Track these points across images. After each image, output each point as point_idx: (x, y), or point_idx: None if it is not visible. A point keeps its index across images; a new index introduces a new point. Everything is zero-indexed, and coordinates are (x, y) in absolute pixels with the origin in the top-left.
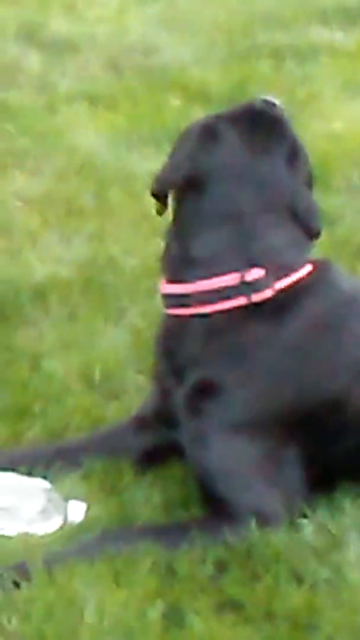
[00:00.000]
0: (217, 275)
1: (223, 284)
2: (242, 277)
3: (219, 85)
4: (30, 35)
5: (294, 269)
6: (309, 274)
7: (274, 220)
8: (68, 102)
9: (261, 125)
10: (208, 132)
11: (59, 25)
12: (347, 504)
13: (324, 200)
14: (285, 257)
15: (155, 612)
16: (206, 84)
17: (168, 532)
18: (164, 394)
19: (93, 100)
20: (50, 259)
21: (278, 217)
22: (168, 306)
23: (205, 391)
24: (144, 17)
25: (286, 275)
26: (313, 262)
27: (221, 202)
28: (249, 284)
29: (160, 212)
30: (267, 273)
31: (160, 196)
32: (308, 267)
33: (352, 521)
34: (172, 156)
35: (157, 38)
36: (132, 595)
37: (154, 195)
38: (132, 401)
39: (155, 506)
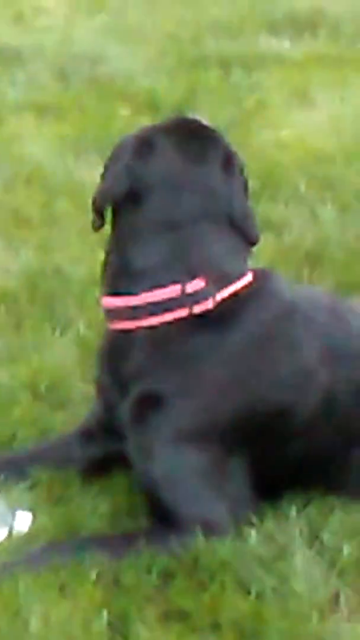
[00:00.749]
0: (158, 287)
1: (165, 296)
2: (183, 288)
3: (168, 95)
4: None
5: (235, 279)
6: (250, 283)
7: (212, 229)
8: (16, 112)
9: (195, 135)
10: (143, 144)
11: (6, 35)
12: (293, 513)
13: (271, 208)
14: (226, 266)
15: (100, 623)
16: (154, 94)
17: (114, 543)
18: (108, 407)
19: (41, 110)
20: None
21: (217, 226)
22: (110, 320)
23: (149, 403)
24: (91, 26)
25: (227, 285)
26: (253, 271)
27: (159, 213)
28: (190, 295)
29: (97, 227)
30: (207, 283)
31: (101, 211)
32: (249, 276)
33: (298, 530)
34: (109, 169)
35: (105, 47)
36: (78, 606)
37: (96, 210)
38: (79, 411)
39: (101, 516)
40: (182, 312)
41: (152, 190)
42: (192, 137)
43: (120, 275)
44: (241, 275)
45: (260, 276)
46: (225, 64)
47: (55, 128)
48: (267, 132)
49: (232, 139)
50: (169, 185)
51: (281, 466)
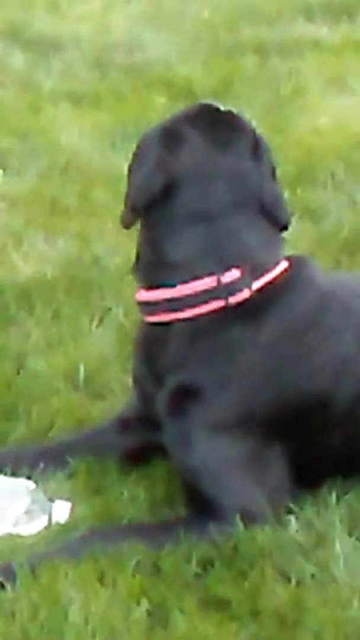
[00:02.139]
0: (194, 279)
1: (201, 288)
2: (219, 279)
3: (204, 82)
4: (14, 34)
5: (270, 267)
6: (286, 271)
7: (246, 217)
8: (52, 101)
9: (220, 122)
10: (171, 136)
11: (43, 24)
12: (333, 500)
13: (309, 195)
14: (261, 255)
15: (140, 611)
16: (191, 81)
17: (153, 531)
18: (144, 398)
19: (77, 98)
20: (35, 258)
21: (250, 214)
22: (146, 313)
23: (186, 394)
24: (127, 14)
25: (263, 274)
26: (289, 259)
27: (192, 204)
28: (226, 286)
29: (129, 224)
30: (243, 273)
31: (138, 209)
32: (284, 264)
33: (337, 517)
34: (139, 164)
35: (141, 35)
36: (117, 594)
37: (133, 208)
38: (117, 400)
39: (140, 505)
40: (219, 303)
41: (183, 182)
42: (217, 124)
43: (155, 269)
44: (276, 263)
45: (296, 264)
46: (261, 51)
47: (92, 117)
48: (304, 118)
49: (269, 126)
50: (201, 175)
51: (320, 454)
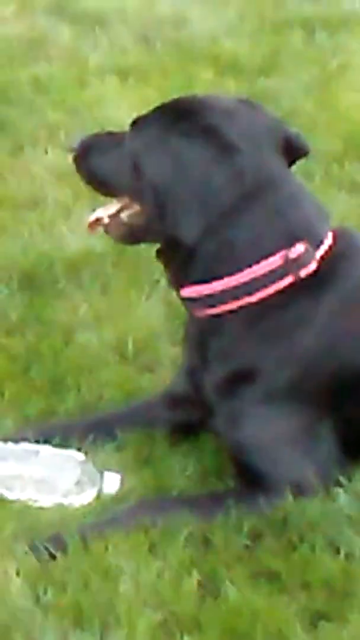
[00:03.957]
0: (261, 259)
1: (269, 268)
2: (287, 255)
3: (250, 57)
4: (60, 9)
5: (325, 237)
6: (334, 242)
7: (296, 183)
8: (99, 76)
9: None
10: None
11: None
12: None
13: (356, 170)
14: (316, 224)
15: (190, 583)
16: (237, 56)
17: (203, 503)
18: (194, 383)
19: (124, 73)
20: (83, 232)
21: (296, 180)
22: (202, 307)
23: (241, 377)
24: None
25: (320, 244)
26: (332, 230)
27: (251, 180)
28: (294, 261)
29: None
30: (307, 246)
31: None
32: (330, 235)
33: None
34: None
35: (187, 10)
36: (168, 565)
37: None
38: (166, 373)
39: (189, 477)
40: (287, 281)
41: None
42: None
43: (217, 259)
44: (327, 234)
45: (341, 235)
46: (308, 26)
47: (138, 91)
48: (351, 94)
49: (315, 101)
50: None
51: None
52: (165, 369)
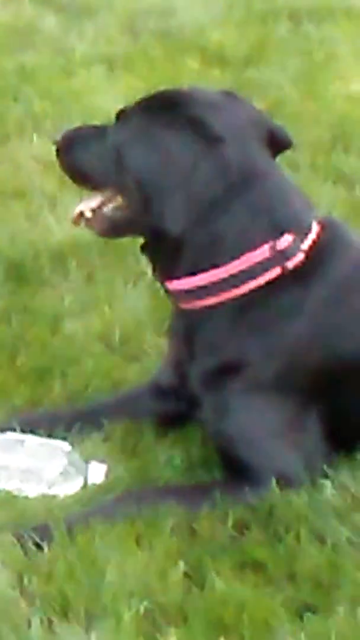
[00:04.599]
0: (249, 251)
1: (257, 259)
2: (274, 246)
3: (237, 47)
4: None
5: (311, 228)
6: (322, 231)
7: (281, 175)
8: (85, 65)
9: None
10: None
11: None
12: None
13: (343, 160)
14: (302, 215)
15: (176, 573)
16: (224, 46)
17: (189, 493)
18: (180, 373)
19: (110, 63)
20: (69, 221)
21: (281, 170)
22: (189, 300)
23: (228, 369)
24: None
25: (306, 234)
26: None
27: (236, 171)
28: (281, 252)
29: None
30: (295, 236)
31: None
32: (317, 225)
33: None
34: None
35: (173, 0)
36: (154, 556)
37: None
38: (152, 363)
39: (176, 467)
40: (274, 272)
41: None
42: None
43: (203, 251)
44: (313, 225)
45: (327, 225)
46: (294, 17)
47: (124, 81)
48: (337, 84)
49: (302, 92)
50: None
51: (356, 417)
52: (150, 358)
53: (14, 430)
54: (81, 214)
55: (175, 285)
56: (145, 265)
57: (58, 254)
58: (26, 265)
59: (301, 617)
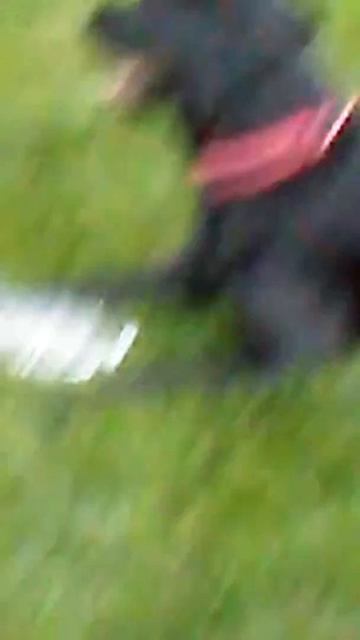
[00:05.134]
0: (285, 120)
1: (289, 142)
2: (311, 115)
3: None
4: None
5: (343, 108)
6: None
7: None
8: None
9: None
10: None
11: None
12: None
13: None
14: (337, 92)
15: (194, 458)
16: None
17: (213, 372)
18: (201, 258)
19: None
20: (90, 106)
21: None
22: (216, 190)
23: (255, 253)
24: None
25: (339, 115)
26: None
27: (269, 50)
28: (316, 130)
29: None
30: (332, 106)
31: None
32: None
33: None
34: None
35: None
36: (172, 440)
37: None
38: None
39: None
40: (303, 158)
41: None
42: None
43: (235, 128)
44: (347, 102)
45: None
46: None
47: None
48: None
49: None
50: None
51: None
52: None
53: (41, 299)
54: (111, 86)
55: (203, 172)
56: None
57: (79, 139)
58: (47, 149)
59: (318, 505)
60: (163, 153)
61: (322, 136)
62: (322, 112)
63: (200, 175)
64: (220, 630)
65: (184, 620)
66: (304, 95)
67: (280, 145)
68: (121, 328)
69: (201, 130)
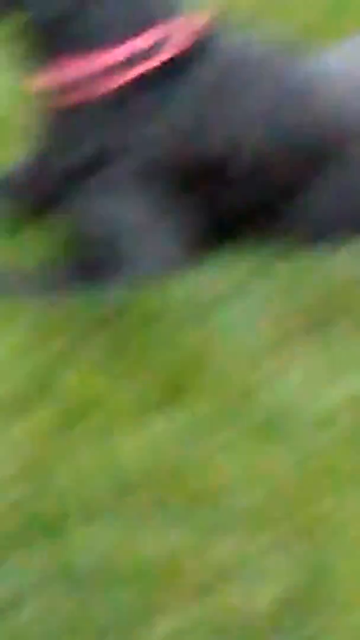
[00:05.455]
0: (133, 36)
1: (133, 48)
2: (160, 31)
3: None
4: None
5: (189, 23)
6: (209, 22)
7: None
8: None
9: None
10: None
11: None
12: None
13: None
14: (184, 5)
15: (26, 368)
16: None
17: (44, 283)
18: (41, 169)
19: None
20: None
21: None
22: (59, 96)
23: (93, 163)
24: None
25: (183, 31)
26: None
27: None
28: (162, 40)
29: None
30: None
31: None
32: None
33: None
34: None
35: None
36: (5, 348)
37: None
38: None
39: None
40: (149, 64)
41: None
42: None
43: (78, 37)
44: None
45: (208, 24)
46: None
47: None
48: None
49: None
50: None
51: (225, 213)
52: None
53: None
54: None
55: (46, 77)
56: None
57: None
58: None
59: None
60: (3, 60)
61: (168, 45)
62: (170, 26)
63: (42, 81)
64: (45, 541)
65: (13, 527)
66: (152, 11)
67: (125, 51)
68: None
69: (44, 37)
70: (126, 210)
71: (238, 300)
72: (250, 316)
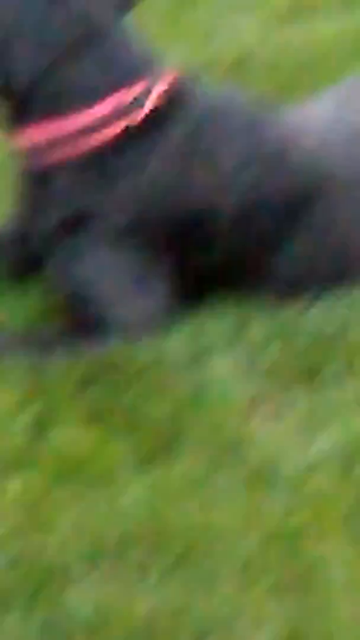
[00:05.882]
0: (99, 100)
1: (107, 110)
2: (125, 96)
3: None
4: None
5: (160, 80)
6: (173, 84)
7: (127, 30)
8: None
9: None
10: None
11: None
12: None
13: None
14: (152, 67)
15: (20, 423)
16: None
17: (35, 342)
18: (23, 229)
19: None
20: None
21: (127, 27)
22: (37, 156)
23: (76, 222)
24: None
25: (155, 87)
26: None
27: (84, 23)
28: (132, 102)
29: None
30: (145, 85)
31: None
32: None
33: (220, 332)
34: None
35: None
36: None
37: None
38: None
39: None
40: (124, 124)
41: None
42: None
43: (52, 101)
44: (163, 77)
45: (178, 80)
46: None
47: None
48: None
49: None
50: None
51: (206, 271)
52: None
53: None
54: None
55: (24, 139)
56: None
57: None
58: None
59: (142, 469)
60: None
61: (141, 104)
62: (141, 84)
63: (20, 142)
64: (44, 595)
65: (9, 584)
66: (123, 70)
67: (99, 112)
68: None
69: (20, 101)
70: (108, 269)
71: (228, 350)
72: (239, 366)
